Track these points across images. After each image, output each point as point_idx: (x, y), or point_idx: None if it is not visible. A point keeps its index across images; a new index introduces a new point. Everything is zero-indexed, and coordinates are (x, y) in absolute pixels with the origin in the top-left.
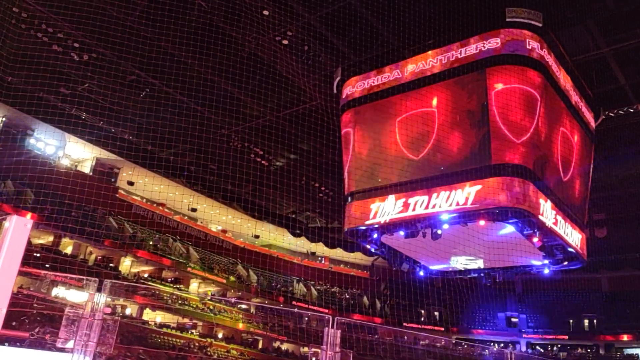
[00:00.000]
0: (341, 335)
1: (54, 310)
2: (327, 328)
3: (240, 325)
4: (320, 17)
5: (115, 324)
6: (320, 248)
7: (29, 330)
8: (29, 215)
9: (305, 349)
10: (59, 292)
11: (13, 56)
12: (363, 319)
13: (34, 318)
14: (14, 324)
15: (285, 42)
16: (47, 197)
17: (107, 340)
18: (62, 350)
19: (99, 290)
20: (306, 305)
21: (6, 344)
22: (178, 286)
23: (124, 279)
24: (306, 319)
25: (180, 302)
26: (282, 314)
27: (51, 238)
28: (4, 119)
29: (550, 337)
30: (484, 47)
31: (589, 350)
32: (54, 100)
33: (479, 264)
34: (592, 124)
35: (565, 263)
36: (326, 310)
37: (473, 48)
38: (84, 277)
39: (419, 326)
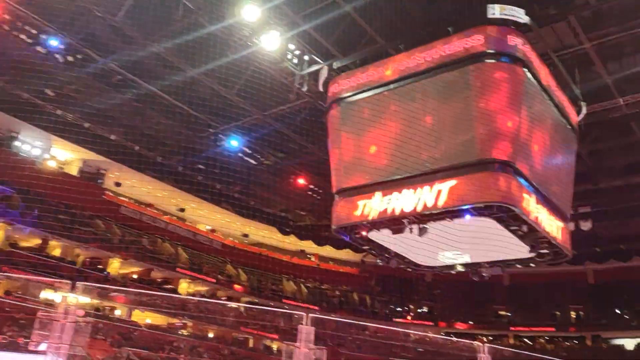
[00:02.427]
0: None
1: (28, 312)
2: (300, 325)
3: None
4: (305, 16)
5: (88, 326)
6: (309, 245)
7: (2, 334)
8: None
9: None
10: (47, 295)
11: None
12: (353, 316)
13: (8, 321)
14: None
15: (271, 41)
16: (35, 200)
17: (80, 342)
18: (35, 352)
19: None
20: (295, 303)
21: None
22: (167, 286)
23: (112, 280)
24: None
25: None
26: (256, 312)
27: (39, 241)
28: None
29: (537, 329)
30: (467, 44)
31: (575, 342)
32: (39, 101)
33: (466, 258)
34: (575, 118)
35: (551, 256)
36: (316, 308)
37: (456, 45)
38: (57, 280)
39: (409, 321)
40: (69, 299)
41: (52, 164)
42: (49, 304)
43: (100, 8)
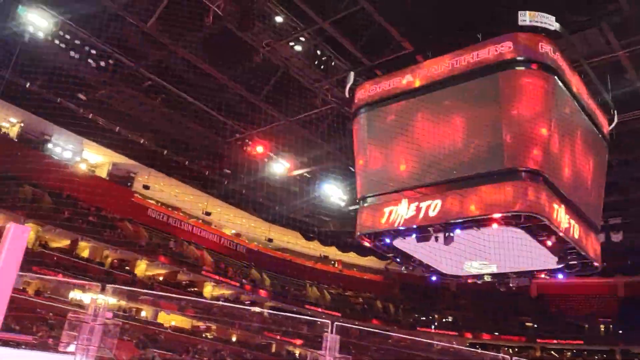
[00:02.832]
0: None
1: (57, 313)
2: (326, 333)
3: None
4: (333, 23)
5: (116, 328)
6: (333, 251)
7: (33, 334)
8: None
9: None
10: (76, 295)
11: (31, 63)
12: (376, 323)
13: (38, 321)
14: (17, 327)
15: (298, 47)
16: (65, 201)
17: (108, 344)
18: (64, 353)
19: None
20: (319, 309)
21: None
22: (192, 289)
23: (139, 282)
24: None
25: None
26: (280, 319)
27: (68, 242)
28: (22, 125)
29: (565, 342)
30: (496, 51)
31: (604, 355)
32: (71, 105)
33: (492, 268)
34: (607, 127)
35: (580, 268)
36: (338, 314)
37: (485, 52)
38: (87, 282)
39: (432, 330)
40: (98, 301)
41: (83, 167)
42: (77, 305)
43: (132, 15)
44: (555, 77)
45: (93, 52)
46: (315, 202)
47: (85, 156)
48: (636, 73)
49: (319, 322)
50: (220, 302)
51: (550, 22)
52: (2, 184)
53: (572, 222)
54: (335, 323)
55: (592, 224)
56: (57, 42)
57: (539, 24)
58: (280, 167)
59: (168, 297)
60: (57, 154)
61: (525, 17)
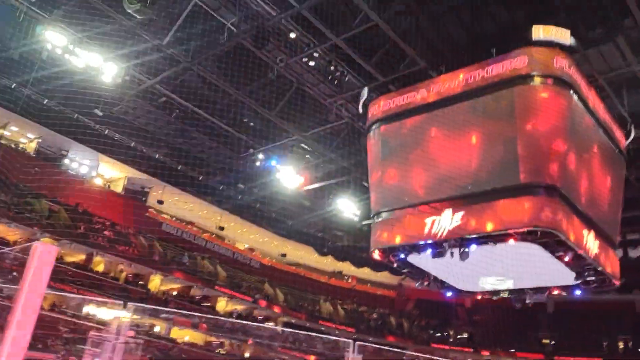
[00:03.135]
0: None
1: (80, 331)
2: (347, 352)
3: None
4: (346, 39)
5: (138, 346)
6: (347, 267)
7: (55, 352)
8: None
9: None
10: (89, 309)
11: (49, 80)
12: (390, 340)
13: (61, 340)
14: (40, 346)
15: (311, 63)
16: (81, 216)
17: None
18: None
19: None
20: (333, 325)
21: None
22: (206, 304)
23: (153, 296)
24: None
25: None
26: (302, 338)
27: (83, 256)
28: (39, 140)
29: (584, 359)
30: (511, 66)
31: None
32: (88, 121)
33: (508, 284)
34: (624, 142)
35: (598, 284)
36: (352, 330)
37: (500, 67)
38: (108, 301)
39: (448, 347)
40: (121, 319)
41: (98, 182)
42: (91, 319)
43: (148, 32)
44: (571, 91)
45: (110, 68)
46: (329, 217)
47: (101, 171)
48: None
49: (341, 343)
50: (240, 321)
51: (565, 37)
52: (20, 198)
53: (590, 237)
54: (357, 343)
55: (609, 240)
56: (74, 59)
57: (553, 39)
58: (293, 182)
59: (191, 316)
60: (73, 169)
61: (540, 32)
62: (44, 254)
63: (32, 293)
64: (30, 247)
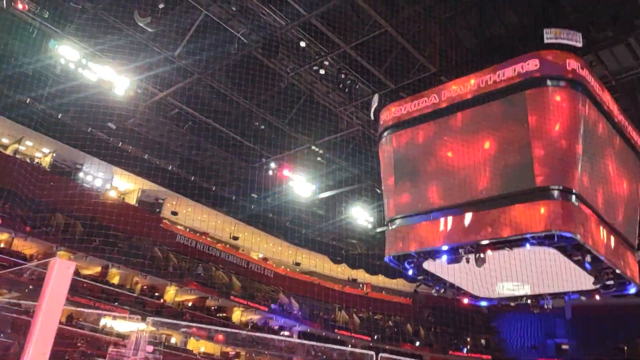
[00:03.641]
0: None
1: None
2: None
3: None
4: (356, 46)
5: None
6: (361, 274)
7: None
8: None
9: None
10: (106, 322)
11: (63, 95)
12: (407, 348)
13: (79, 353)
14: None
15: (322, 71)
16: (96, 229)
17: None
18: None
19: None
20: (349, 334)
21: None
22: (221, 315)
23: (169, 308)
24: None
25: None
26: (322, 349)
27: (99, 269)
28: (54, 154)
29: None
30: (522, 70)
31: None
32: (102, 135)
33: (526, 290)
34: (639, 143)
35: (617, 287)
36: (367, 338)
37: (511, 71)
38: (127, 315)
39: (465, 354)
40: (138, 333)
41: (113, 195)
42: (109, 332)
43: (159, 45)
44: (584, 93)
45: (122, 82)
46: (342, 224)
47: (115, 184)
48: None
49: (365, 356)
50: (257, 334)
51: (576, 38)
52: (36, 213)
53: (607, 240)
54: (381, 355)
55: (628, 242)
56: (86, 73)
57: (565, 41)
58: (306, 190)
59: (208, 329)
60: (88, 182)
61: (551, 35)
62: (62, 270)
63: (51, 309)
64: (49, 263)
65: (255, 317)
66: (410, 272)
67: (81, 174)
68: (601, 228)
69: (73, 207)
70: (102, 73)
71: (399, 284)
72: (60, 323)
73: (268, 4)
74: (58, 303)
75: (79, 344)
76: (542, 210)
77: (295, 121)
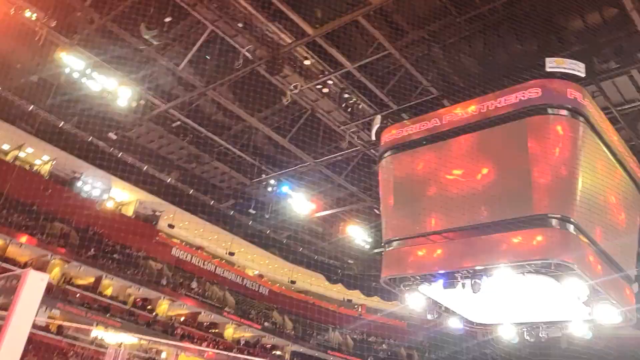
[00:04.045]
0: None
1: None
2: None
3: None
4: (360, 67)
5: None
6: (357, 295)
7: None
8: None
9: None
10: (97, 333)
11: (65, 103)
12: None
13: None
14: None
15: (325, 90)
16: (92, 239)
17: None
18: None
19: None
20: (341, 355)
21: None
22: (214, 330)
23: (160, 321)
24: None
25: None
26: None
27: (92, 279)
28: (53, 162)
29: None
30: (524, 97)
31: None
32: (102, 144)
33: (521, 317)
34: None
35: (613, 320)
36: None
37: (513, 97)
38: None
39: None
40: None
41: (110, 205)
42: (99, 343)
43: (164, 57)
44: (585, 123)
45: (125, 92)
46: (339, 244)
47: (113, 194)
48: None
49: None
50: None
51: (578, 68)
52: (33, 220)
53: (604, 271)
54: None
55: (625, 274)
56: (90, 82)
57: (567, 71)
58: (305, 208)
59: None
60: (86, 191)
61: (553, 64)
62: (34, 281)
63: (20, 321)
64: (22, 274)
65: (247, 335)
66: (405, 295)
67: (79, 183)
68: (598, 258)
69: (69, 216)
70: (106, 83)
71: (394, 306)
72: (51, 332)
73: (274, 21)
74: (28, 315)
75: (69, 356)
76: (540, 238)
77: (297, 138)
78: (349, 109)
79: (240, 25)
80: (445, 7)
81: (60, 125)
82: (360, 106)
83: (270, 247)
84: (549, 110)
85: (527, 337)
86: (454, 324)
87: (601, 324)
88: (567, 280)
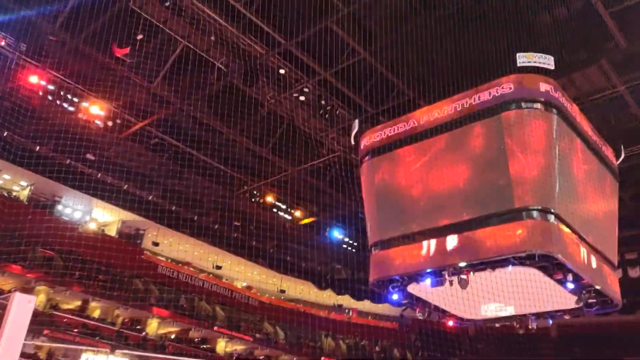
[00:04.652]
0: None
1: None
2: None
3: None
4: (335, 73)
5: None
6: (347, 300)
7: None
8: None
9: None
10: (88, 357)
11: (41, 127)
12: None
13: None
14: None
15: (302, 98)
16: (75, 262)
17: None
18: None
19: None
20: None
21: None
22: (205, 346)
23: (151, 340)
24: None
25: None
26: None
27: (79, 303)
28: (32, 187)
29: None
30: (498, 93)
31: None
32: (80, 166)
33: (510, 310)
34: (614, 162)
35: (600, 306)
36: None
37: (487, 94)
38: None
39: None
40: None
41: (92, 226)
42: None
43: (138, 75)
44: (558, 115)
45: (101, 113)
46: (326, 250)
47: (94, 215)
48: (638, 107)
49: None
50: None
51: (548, 62)
52: (14, 247)
53: (588, 259)
54: None
55: (608, 260)
56: (64, 104)
57: (538, 65)
58: (289, 216)
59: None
60: (67, 214)
61: (524, 58)
62: (22, 303)
63: (11, 343)
64: (9, 297)
65: (240, 348)
66: (395, 297)
67: (60, 207)
68: (581, 247)
69: (51, 241)
70: (81, 104)
71: (385, 308)
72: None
73: (247, 33)
74: (18, 337)
75: None
76: (522, 231)
77: (277, 148)
78: (327, 116)
79: (212, 38)
80: (414, 9)
81: (37, 149)
82: (337, 112)
83: (257, 258)
84: (523, 105)
85: (517, 329)
86: (444, 320)
87: (588, 311)
88: (552, 271)
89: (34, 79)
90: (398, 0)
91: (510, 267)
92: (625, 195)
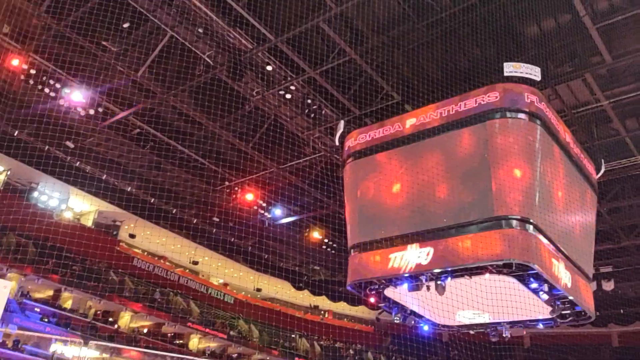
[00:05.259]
0: None
1: None
2: None
3: None
4: (323, 72)
5: None
6: (323, 301)
7: None
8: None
9: None
10: (57, 348)
11: (20, 110)
12: None
13: None
14: None
15: (288, 96)
16: (50, 251)
17: None
18: None
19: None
20: None
21: None
22: (178, 342)
23: (123, 334)
24: None
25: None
26: None
27: (51, 292)
28: (8, 172)
29: None
30: (483, 101)
31: None
32: (59, 153)
33: (485, 318)
34: (594, 175)
35: (573, 317)
36: None
37: (472, 102)
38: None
39: None
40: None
41: (68, 215)
42: (60, 357)
43: (123, 64)
44: (542, 126)
45: (82, 100)
46: (305, 250)
47: (71, 204)
48: (621, 122)
49: None
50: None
51: (535, 73)
52: None
53: (564, 270)
54: None
55: (583, 272)
56: (46, 90)
57: (524, 75)
58: (269, 215)
59: (152, 354)
60: (43, 202)
61: (511, 68)
62: None
63: None
64: None
65: (213, 345)
66: (372, 300)
67: (36, 194)
68: (557, 258)
69: (26, 227)
70: (63, 90)
71: (360, 311)
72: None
73: (235, 26)
74: None
75: None
76: (500, 239)
77: (260, 145)
78: (312, 115)
79: (200, 30)
80: (405, 13)
81: (15, 134)
82: (323, 112)
83: (235, 255)
84: (508, 114)
85: (491, 337)
86: (419, 326)
87: (562, 322)
88: (528, 280)
89: (15, 62)
90: (389, 3)
91: (487, 275)
92: (604, 208)
